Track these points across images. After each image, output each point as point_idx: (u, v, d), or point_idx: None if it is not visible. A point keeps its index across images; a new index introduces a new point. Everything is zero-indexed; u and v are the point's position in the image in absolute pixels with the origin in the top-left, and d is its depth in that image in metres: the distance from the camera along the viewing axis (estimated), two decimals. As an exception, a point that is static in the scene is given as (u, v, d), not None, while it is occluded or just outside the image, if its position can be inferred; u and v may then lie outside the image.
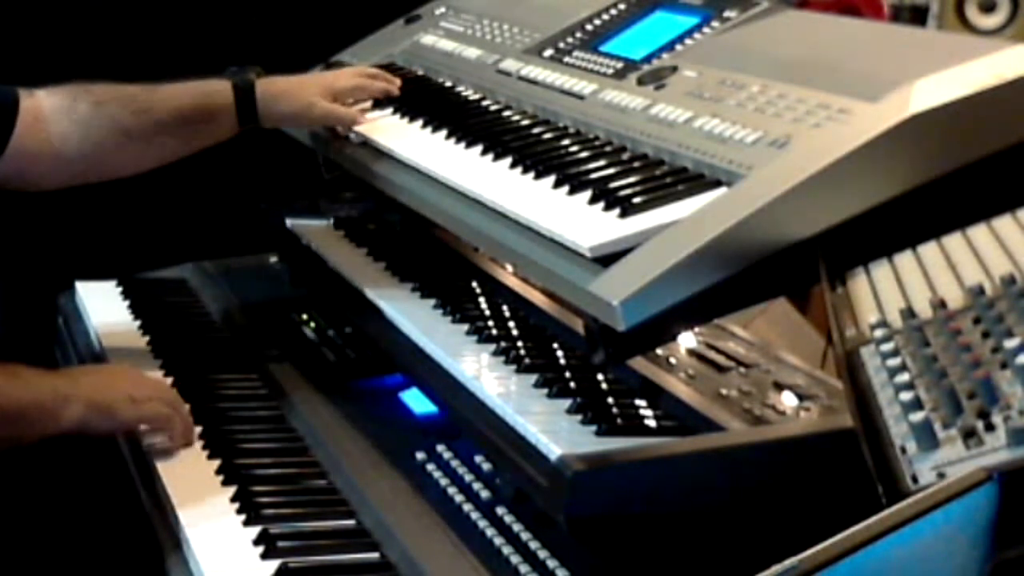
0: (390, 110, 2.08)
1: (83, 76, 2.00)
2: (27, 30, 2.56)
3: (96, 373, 1.90)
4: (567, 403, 1.55)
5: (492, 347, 1.74)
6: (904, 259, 1.35)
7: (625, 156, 1.66)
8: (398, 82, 2.14)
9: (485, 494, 1.59)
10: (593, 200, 1.54)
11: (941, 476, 0.98)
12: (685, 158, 1.58)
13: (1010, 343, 1.06)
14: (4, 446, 1.68)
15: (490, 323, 1.84)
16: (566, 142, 1.76)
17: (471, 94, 2.08)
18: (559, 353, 1.77)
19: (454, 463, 1.68)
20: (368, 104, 2.10)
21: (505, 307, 1.94)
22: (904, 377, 1.11)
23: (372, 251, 2.19)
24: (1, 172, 1.90)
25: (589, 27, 2.08)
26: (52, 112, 1.94)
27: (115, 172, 2.02)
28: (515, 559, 1.45)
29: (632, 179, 1.57)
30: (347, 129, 2.06)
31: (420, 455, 1.71)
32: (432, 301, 1.92)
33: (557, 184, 1.61)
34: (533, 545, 1.47)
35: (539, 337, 1.83)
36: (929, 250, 1.34)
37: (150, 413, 1.78)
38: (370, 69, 2.19)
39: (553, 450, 1.40)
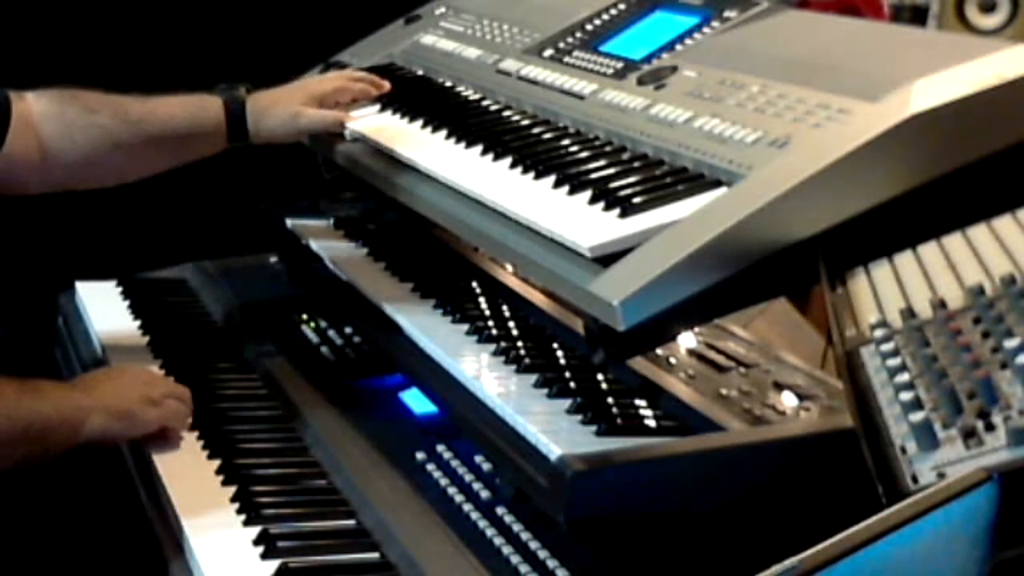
0: (390, 110, 2.08)
1: (77, 80, 1.99)
2: (18, 36, 2.56)
3: (109, 380, 1.86)
4: (567, 403, 1.55)
5: (492, 347, 1.74)
6: (904, 259, 1.35)
7: (625, 156, 1.66)
8: (387, 85, 2.14)
9: (485, 494, 1.59)
10: (593, 200, 1.54)
11: (941, 476, 0.98)
12: (685, 158, 1.58)
13: (1010, 343, 1.06)
14: (29, 461, 1.66)
15: (490, 323, 1.84)
16: (566, 142, 1.76)
17: (471, 94, 2.08)
18: (559, 353, 1.77)
19: (454, 463, 1.68)
20: (360, 105, 2.11)
21: (505, 307, 1.94)
22: (904, 377, 1.11)
23: (372, 251, 2.19)
24: None
25: (589, 27, 2.08)
26: (41, 117, 1.93)
27: (100, 181, 2.02)
28: (515, 559, 1.45)
29: (632, 179, 1.57)
30: (339, 130, 2.06)
31: (420, 455, 1.71)
32: (432, 301, 1.92)
33: (557, 184, 1.61)
34: (533, 545, 1.47)
35: (539, 337, 1.83)
36: (929, 250, 1.34)
37: (170, 412, 1.78)
38: (355, 73, 2.20)
39: (553, 450, 1.40)
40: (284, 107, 2.02)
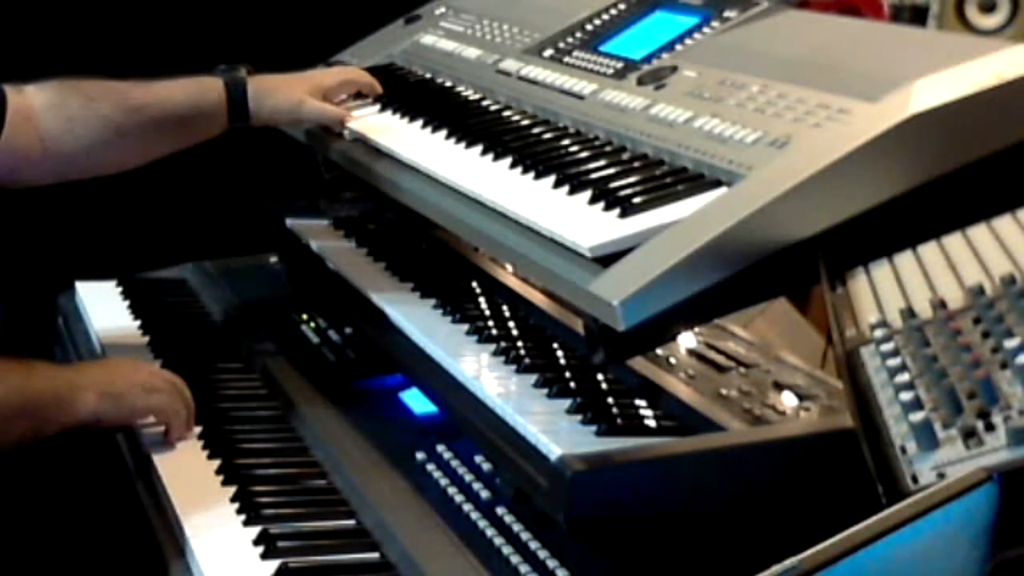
0: (390, 110, 2.08)
1: (77, 71, 1.99)
2: (17, 26, 2.56)
3: (105, 365, 1.92)
4: (567, 403, 1.55)
5: (492, 347, 1.74)
6: (904, 259, 1.35)
7: (625, 156, 1.66)
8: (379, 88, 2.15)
9: (485, 494, 1.59)
10: (593, 200, 1.54)
11: (941, 476, 0.98)
12: (685, 158, 1.58)
13: (1010, 343, 1.06)
14: (24, 441, 1.69)
15: (490, 323, 1.84)
16: (566, 142, 1.76)
17: (471, 94, 2.08)
18: (559, 353, 1.77)
19: (454, 463, 1.68)
20: (361, 104, 2.11)
21: (505, 307, 1.94)
22: (904, 377, 1.11)
23: (372, 251, 2.19)
24: None
25: (589, 27, 2.08)
26: (42, 109, 1.93)
27: (104, 169, 2.02)
28: (515, 559, 1.45)
29: (632, 179, 1.57)
30: (338, 127, 2.06)
31: (420, 455, 1.71)
32: (432, 301, 1.92)
33: (557, 184, 1.61)
34: (533, 545, 1.47)
35: (539, 337, 1.83)
36: (929, 250, 1.34)
37: (160, 403, 1.79)
38: (358, 69, 2.20)
39: (553, 450, 1.40)
40: (289, 93, 2.04)
